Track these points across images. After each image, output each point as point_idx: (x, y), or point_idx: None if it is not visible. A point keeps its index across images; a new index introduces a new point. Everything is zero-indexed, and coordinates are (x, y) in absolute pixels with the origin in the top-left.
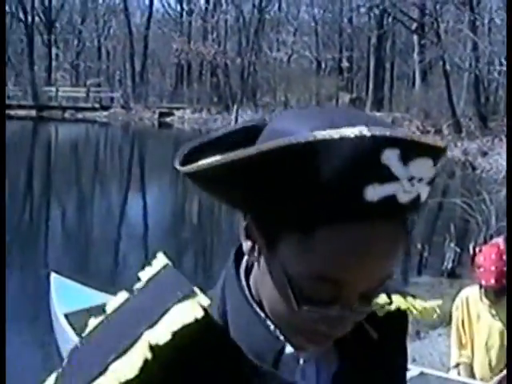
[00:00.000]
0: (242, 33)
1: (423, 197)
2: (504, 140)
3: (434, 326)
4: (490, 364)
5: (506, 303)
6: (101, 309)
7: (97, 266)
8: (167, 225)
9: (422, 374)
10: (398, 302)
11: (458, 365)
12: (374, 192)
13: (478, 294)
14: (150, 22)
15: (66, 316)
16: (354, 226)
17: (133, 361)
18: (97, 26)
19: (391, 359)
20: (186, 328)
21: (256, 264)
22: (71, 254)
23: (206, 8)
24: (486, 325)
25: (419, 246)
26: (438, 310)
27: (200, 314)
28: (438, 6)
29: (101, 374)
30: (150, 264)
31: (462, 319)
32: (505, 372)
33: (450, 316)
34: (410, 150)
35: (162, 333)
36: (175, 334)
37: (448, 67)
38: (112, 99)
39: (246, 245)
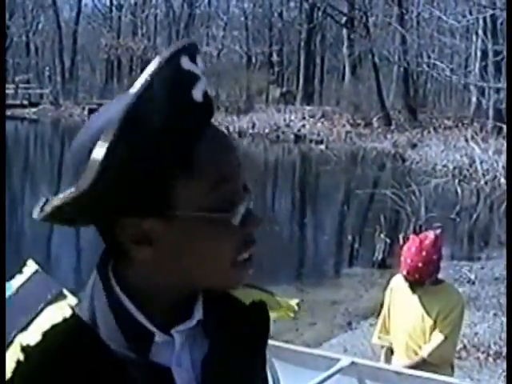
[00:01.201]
0: (172, 27)
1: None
2: (432, 132)
3: (365, 317)
4: (407, 350)
5: (506, 297)
6: None
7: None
8: None
9: (352, 363)
10: (256, 295)
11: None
12: (197, 92)
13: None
14: (79, 17)
15: None
16: (209, 137)
17: (6, 365)
18: (25, 22)
19: (254, 348)
20: (55, 328)
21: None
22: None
23: (136, 3)
24: (410, 312)
25: (350, 237)
26: (296, 308)
27: (68, 313)
28: (366, 1)
29: None
30: (21, 272)
31: (388, 305)
32: (421, 356)
33: (381, 306)
34: (189, 49)
35: (32, 334)
36: (45, 334)
37: (377, 61)
38: (41, 96)
39: (138, 248)
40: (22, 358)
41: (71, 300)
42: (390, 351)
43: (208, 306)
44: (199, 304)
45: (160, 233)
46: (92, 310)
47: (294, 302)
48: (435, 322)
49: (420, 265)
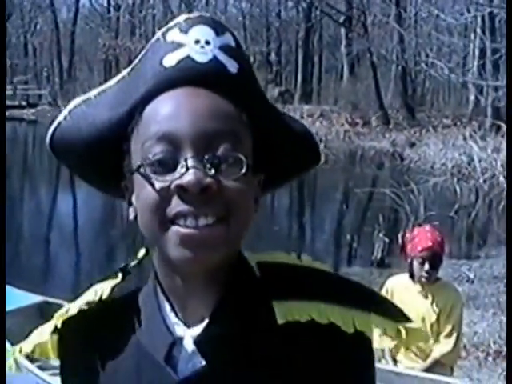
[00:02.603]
0: None
1: (230, 67)
2: (431, 131)
3: None
4: (416, 349)
5: (506, 295)
6: (29, 309)
7: (26, 266)
8: (97, 223)
9: None
10: (344, 318)
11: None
12: (171, 58)
13: (406, 282)
14: (77, 18)
15: None
16: (168, 95)
17: (46, 328)
18: (23, 22)
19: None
20: (91, 304)
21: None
22: None
23: (134, 3)
24: (412, 311)
25: (349, 236)
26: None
27: (104, 294)
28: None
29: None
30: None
31: None
32: (434, 356)
33: None
34: (186, 23)
35: (73, 307)
36: (81, 310)
37: (375, 59)
38: (40, 96)
39: (130, 210)
40: (59, 325)
41: (115, 281)
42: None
43: (221, 319)
44: (218, 313)
45: (130, 191)
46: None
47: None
48: (437, 320)
49: (439, 239)
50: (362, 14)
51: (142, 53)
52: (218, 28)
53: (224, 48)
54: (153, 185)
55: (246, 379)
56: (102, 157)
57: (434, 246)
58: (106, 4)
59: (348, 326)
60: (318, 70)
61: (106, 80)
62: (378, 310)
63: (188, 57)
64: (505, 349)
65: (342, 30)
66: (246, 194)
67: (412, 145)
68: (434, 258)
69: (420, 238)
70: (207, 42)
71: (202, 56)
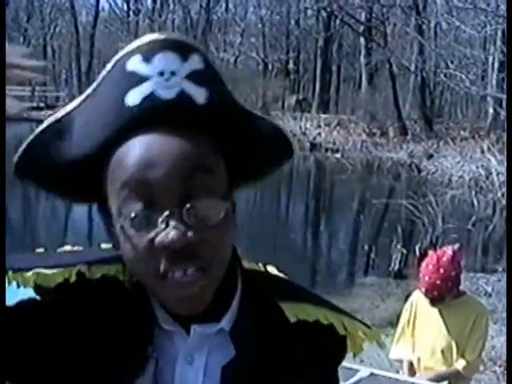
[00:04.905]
0: (189, 33)
1: (198, 97)
2: (449, 143)
3: (381, 327)
4: (434, 364)
5: (506, 301)
6: None
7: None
8: None
9: (372, 374)
10: (338, 321)
11: (401, 361)
12: (134, 96)
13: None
14: (97, 21)
15: None
16: (136, 140)
17: (54, 275)
18: (43, 25)
19: (301, 370)
20: (111, 280)
21: None
22: (15, 254)
23: (153, 8)
24: (434, 327)
25: (366, 247)
26: (383, 337)
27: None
28: (384, 10)
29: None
30: None
31: (408, 320)
32: (455, 368)
33: (397, 316)
34: (148, 50)
35: (95, 271)
36: (103, 278)
37: (394, 70)
38: (58, 98)
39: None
40: (73, 279)
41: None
42: (411, 364)
43: (247, 315)
44: (230, 313)
45: (118, 237)
46: None
47: (380, 331)
48: (460, 335)
49: (438, 282)
50: (382, 24)
51: (100, 78)
52: (185, 51)
53: (191, 76)
54: (135, 243)
55: (267, 372)
56: (75, 186)
57: (427, 292)
58: (125, 8)
59: (340, 329)
60: (337, 80)
61: None
62: (352, 316)
63: (152, 93)
64: None
65: (362, 40)
66: (228, 233)
67: (429, 156)
68: (436, 296)
69: (422, 275)
70: (173, 73)
71: (167, 91)
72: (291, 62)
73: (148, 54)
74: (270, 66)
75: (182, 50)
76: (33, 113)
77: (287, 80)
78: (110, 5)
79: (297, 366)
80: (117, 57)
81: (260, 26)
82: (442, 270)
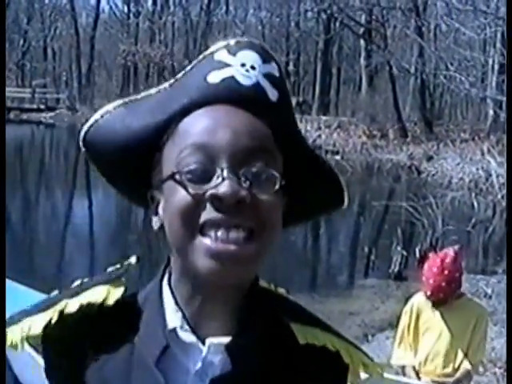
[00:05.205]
0: (190, 35)
1: (271, 94)
2: (449, 145)
3: (381, 329)
4: (435, 365)
5: (506, 303)
6: None
7: (42, 269)
8: (113, 227)
9: (371, 376)
10: (344, 349)
11: (403, 366)
12: (215, 76)
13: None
14: (97, 23)
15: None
16: (208, 109)
17: (40, 319)
18: (43, 26)
19: None
20: (90, 305)
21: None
22: (16, 257)
23: (154, 10)
24: (436, 330)
25: (366, 249)
26: (381, 371)
27: (112, 294)
28: (384, 12)
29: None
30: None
31: (408, 324)
32: (466, 368)
33: (397, 318)
34: (235, 46)
35: (73, 303)
36: (82, 305)
37: (394, 72)
38: (58, 100)
39: (154, 220)
40: (54, 319)
41: (118, 287)
42: (414, 368)
43: (260, 332)
44: (245, 328)
45: (157, 201)
46: (137, 299)
47: (381, 366)
48: (462, 337)
49: (443, 284)
50: (382, 27)
51: (187, 68)
52: (266, 56)
53: (268, 76)
54: (187, 191)
55: None
56: (133, 161)
57: (432, 295)
58: (125, 10)
59: (346, 357)
60: (337, 82)
61: (124, 86)
62: (356, 346)
63: (232, 77)
64: None
65: (362, 42)
66: (278, 209)
67: (429, 158)
68: (441, 298)
69: (426, 277)
70: (252, 67)
71: (245, 79)
72: (291, 64)
73: (234, 48)
74: None
75: (264, 53)
76: (33, 115)
77: (287, 82)
78: (111, 7)
79: None
80: (207, 52)
81: (260, 28)
82: (446, 272)
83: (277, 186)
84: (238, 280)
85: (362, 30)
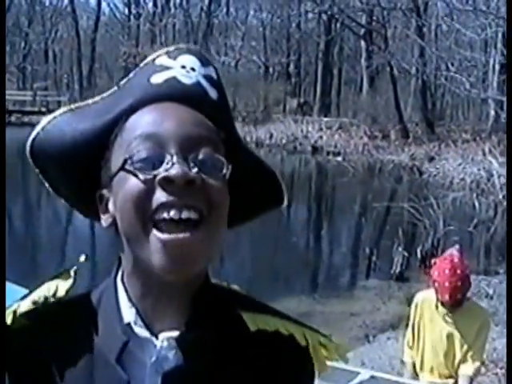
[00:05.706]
0: (191, 37)
1: (211, 93)
2: (451, 145)
3: (382, 330)
4: (436, 367)
5: (507, 304)
6: None
7: (44, 272)
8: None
9: (372, 377)
10: (298, 331)
11: (403, 362)
12: (158, 77)
13: (434, 300)
14: (98, 25)
15: None
16: (154, 106)
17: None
18: (44, 29)
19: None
20: (43, 302)
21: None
22: (18, 260)
23: (154, 12)
24: (438, 330)
25: (367, 249)
26: (346, 350)
27: (62, 288)
28: (385, 13)
29: None
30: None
31: (413, 322)
32: (468, 374)
33: (399, 319)
34: (174, 51)
35: (23, 305)
36: (35, 303)
37: (395, 73)
38: (59, 103)
39: (104, 218)
40: (8, 321)
41: (68, 280)
42: (414, 366)
43: (211, 324)
44: (197, 323)
45: (106, 199)
46: (91, 295)
47: (343, 345)
48: (466, 339)
49: (459, 284)
50: (383, 27)
51: (130, 75)
52: (204, 60)
53: (207, 77)
54: (138, 177)
55: (230, 380)
56: (82, 162)
57: (450, 298)
58: (126, 12)
59: (301, 339)
60: (338, 83)
61: None
62: (314, 329)
63: (174, 77)
64: None
65: (363, 43)
66: (226, 195)
67: (431, 159)
68: (453, 304)
69: (439, 283)
70: (193, 69)
71: (187, 78)
72: (292, 66)
73: (174, 53)
74: (271, 70)
75: (203, 58)
76: (34, 117)
77: (288, 83)
78: (111, 9)
79: (257, 375)
80: (147, 59)
81: (261, 29)
82: (458, 271)
83: (224, 171)
84: (189, 274)
85: (362, 30)
